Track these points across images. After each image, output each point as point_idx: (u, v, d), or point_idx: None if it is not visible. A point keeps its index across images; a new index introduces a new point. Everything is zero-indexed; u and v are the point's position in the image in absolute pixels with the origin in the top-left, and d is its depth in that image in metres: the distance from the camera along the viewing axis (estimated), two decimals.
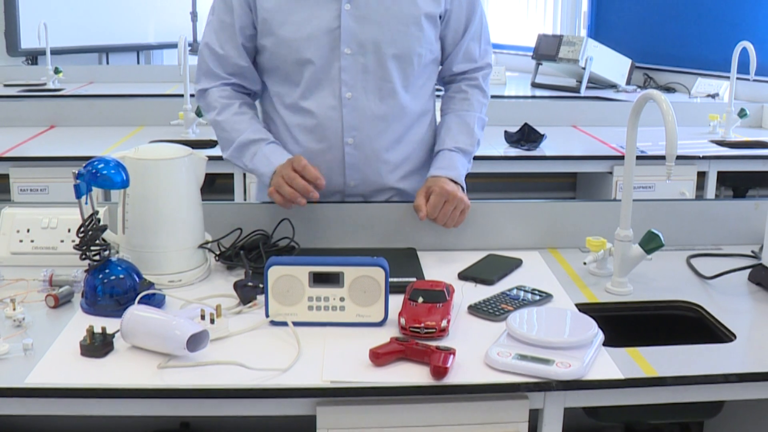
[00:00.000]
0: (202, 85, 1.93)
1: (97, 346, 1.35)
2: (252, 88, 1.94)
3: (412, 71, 1.87)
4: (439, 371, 1.29)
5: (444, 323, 1.43)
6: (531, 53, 5.45)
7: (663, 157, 1.54)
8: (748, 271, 1.76)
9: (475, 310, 1.55)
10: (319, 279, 1.47)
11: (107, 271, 1.54)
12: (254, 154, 1.84)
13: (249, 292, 1.58)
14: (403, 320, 1.44)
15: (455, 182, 1.85)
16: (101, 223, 1.55)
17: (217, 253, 1.77)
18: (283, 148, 1.87)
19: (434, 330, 1.42)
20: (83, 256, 1.53)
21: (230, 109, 1.89)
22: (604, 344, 1.41)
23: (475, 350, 1.38)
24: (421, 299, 1.48)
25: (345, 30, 1.80)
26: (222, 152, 1.92)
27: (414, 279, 1.65)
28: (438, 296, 1.49)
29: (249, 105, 1.94)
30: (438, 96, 2.03)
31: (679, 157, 1.57)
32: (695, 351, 1.43)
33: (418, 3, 1.83)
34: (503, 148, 3.59)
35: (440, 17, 1.89)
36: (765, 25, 4.95)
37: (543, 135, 3.62)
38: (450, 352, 1.32)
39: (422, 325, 1.42)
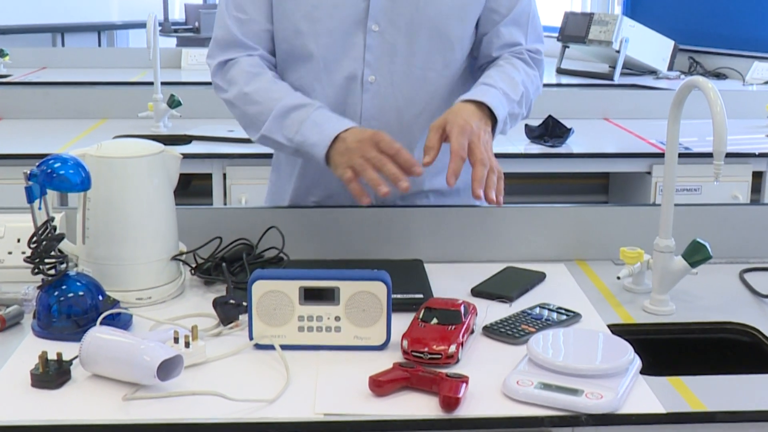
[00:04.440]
0: (224, 56, 1.86)
1: (52, 375, 1.36)
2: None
3: (452, 58, 1.85)
4: (450, 402, 1.29)
5: (452, 349, 1.43)
6: (557, 34, 5.45)
7: (710, 155, 1.55)
8: None
9: (492, 331, 1.56)
10: (311, 295, 1.48)
11: (64, 287, 1.54)
12: (301, 122, 1.74)
13: (230, 310, 1.58)
14: (405, 342, 1.45)
15: (488, 114, 1.69)
16: (57, 231, 1.56)
17: (194, 265, 1.78)
18: (340, 116, 1.77)
19: (440, 356, 1.43)
20: (36, 270, 1.54)
21: (262, 78, 1.83)
22: (642, 372, 1.42)
23: (492, 378, 1.38)
24: (435, 320, 1.49)
25: (374, 3, 1.79)
26: (250, 134, 1.85)
27: (421, 295, 1.66)
28: (452, 317, 1.50)
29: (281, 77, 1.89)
30: None
31: (729, 155, 1.57)
32: (750, 382, 1.43)
33: None
34: (524, 145, 3.60)
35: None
36: None
37: (570, 129, 3.63)
38: (462, 380, 1.32)
39: (426, 349, 1.43)
